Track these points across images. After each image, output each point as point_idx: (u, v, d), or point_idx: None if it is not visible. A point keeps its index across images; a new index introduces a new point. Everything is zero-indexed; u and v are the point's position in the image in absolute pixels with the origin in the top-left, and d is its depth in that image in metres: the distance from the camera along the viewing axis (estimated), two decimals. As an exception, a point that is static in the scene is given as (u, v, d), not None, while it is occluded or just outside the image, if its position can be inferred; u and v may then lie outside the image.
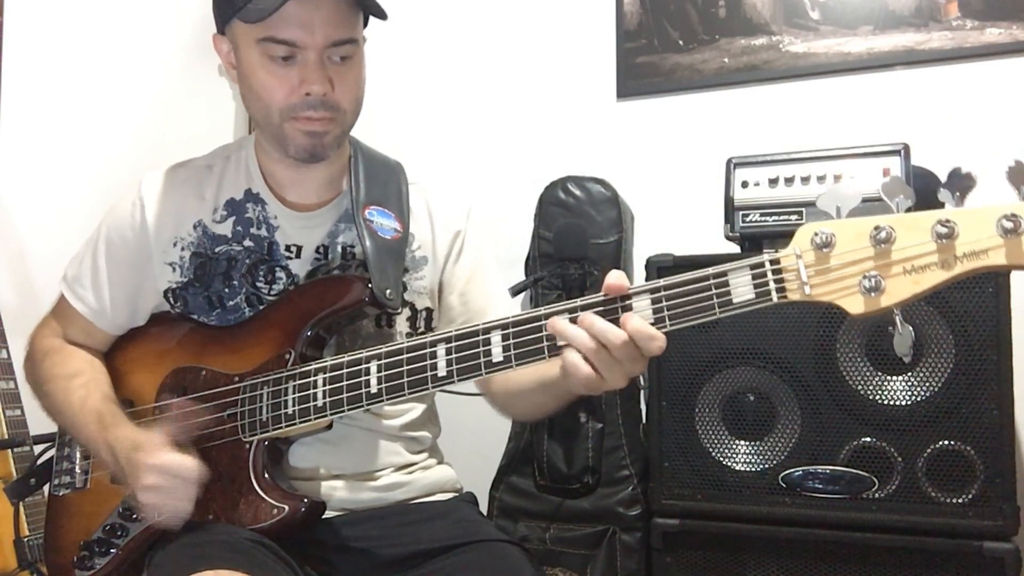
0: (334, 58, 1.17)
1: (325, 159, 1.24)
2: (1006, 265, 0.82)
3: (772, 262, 0.92)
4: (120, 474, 1.15)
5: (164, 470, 1.08)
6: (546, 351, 1.00)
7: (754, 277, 0.93)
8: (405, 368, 1.08)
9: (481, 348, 1.04)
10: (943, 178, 0.87)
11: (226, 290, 1.26)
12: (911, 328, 0.89)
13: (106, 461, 1.18)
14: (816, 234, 0.89)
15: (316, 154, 1.21)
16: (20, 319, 1.73)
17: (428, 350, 1.07)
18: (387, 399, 1.09)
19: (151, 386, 1.24)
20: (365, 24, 1.24)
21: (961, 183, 0.85)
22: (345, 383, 1.11)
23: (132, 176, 1.36)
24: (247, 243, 1.27)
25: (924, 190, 1.68)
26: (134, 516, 1.18)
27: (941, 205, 0.86)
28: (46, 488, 1.34)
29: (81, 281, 1.33)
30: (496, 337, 1.03)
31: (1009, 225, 0.81)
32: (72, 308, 1.32)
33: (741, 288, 0.93)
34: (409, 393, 1.08)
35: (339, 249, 1.27)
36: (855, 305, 0.88)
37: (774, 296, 0.92)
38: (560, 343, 0.98)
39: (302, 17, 1.12)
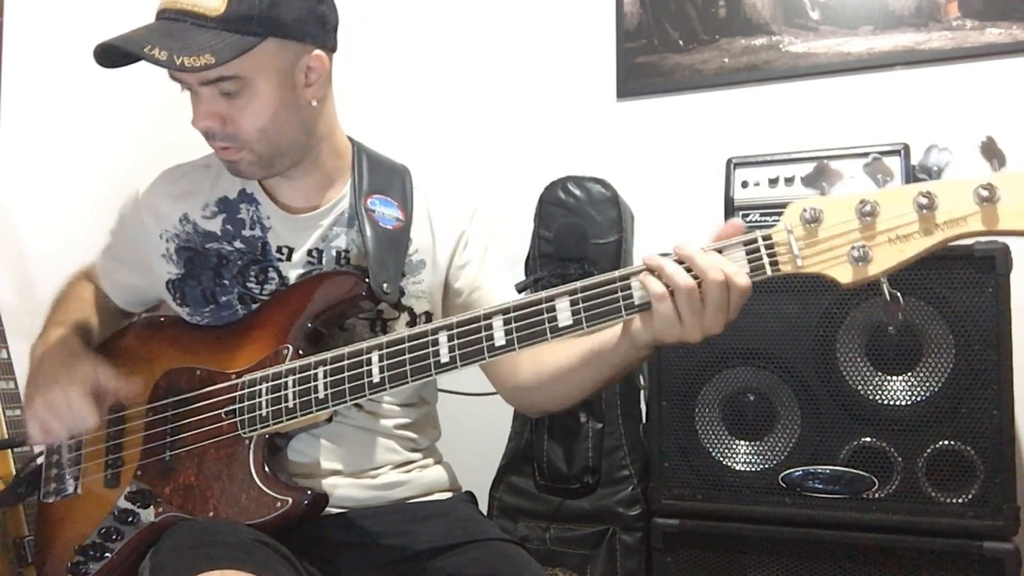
0: (223, 93, 1.15)
1: (254, 178, 1.27)
2: (984, 230, 0.87)
3: (764, 238, 0.96)
4: (29, 384, 1.23)
5: (55, 411, 1.17)
6: (548, 332, 1.02)
7: (748, 253, 0.97)
8: (407, 356, 1.08)
9: (483, 333, 1.04)
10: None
11: (218, 287, 1.27)
12: (899, 294, 0.93)
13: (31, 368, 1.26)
14: (805, 210, 0.94)
15: (241, 175, 1.25)
16: (20, 319, 1.73)
17: (430, 337, 1.07)
18: (390, 387, 1.09)
19: (144, 389, 1.24)
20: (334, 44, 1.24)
21: (938, 158, 0.90)
22: (347, 374, 1.11)
23: (132, 176, 1.37)
24: (237, 244, 1.27)
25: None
26: (129, 519, 1.18)
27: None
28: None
29: (106, 257, 1.42)
30: (498, 322, 1.04)
31: (985, 194, 0.86)
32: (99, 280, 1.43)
33: (736, 264, 0.97)
34: (412, 380, 1.08)
35: (333, 253, 1.27)
36: (844, 274, 0.92)
37: (768, 269, 0.96)
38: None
39: None
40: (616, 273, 1.01)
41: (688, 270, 0.97)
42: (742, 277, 0.95)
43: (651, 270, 0.99)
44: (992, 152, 0.88)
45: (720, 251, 0.97)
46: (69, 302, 1.40)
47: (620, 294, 1.00)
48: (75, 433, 1.20)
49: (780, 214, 1.71)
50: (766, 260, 0.96)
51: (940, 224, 0.88)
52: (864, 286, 0.93)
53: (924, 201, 0.88)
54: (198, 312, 1.28)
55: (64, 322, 1.34)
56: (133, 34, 1.12)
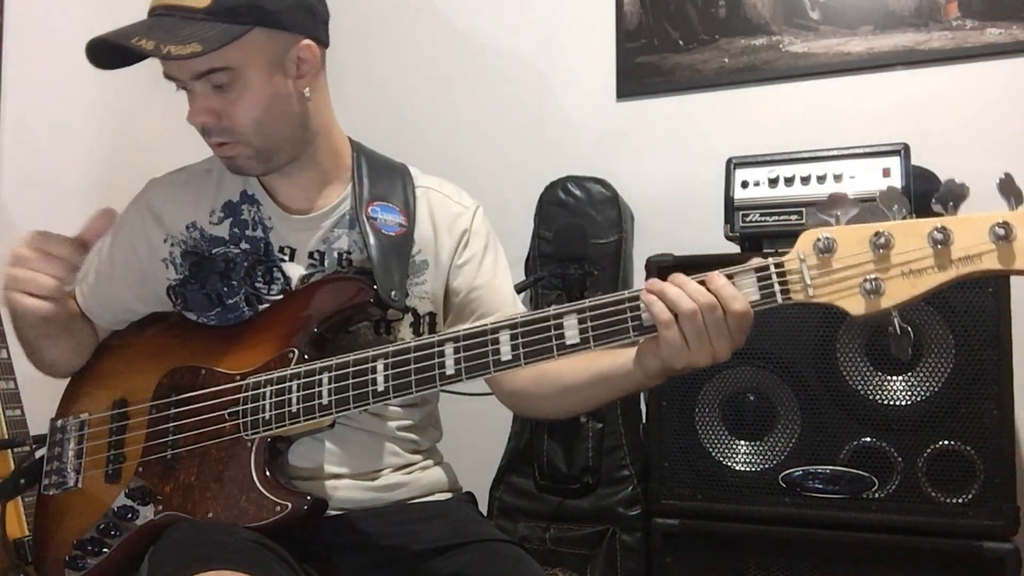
0: (214, 86, 1.15)
1: (253, 173, 1.26)
2: (1000, 269, 0.86)
3: (776, 265, 0.96)
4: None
5: (33, 240, 1.15)
6: (554, 349, 1.02)
7: (759, 279, 0.96)
8: (413, 367, 1.08)
9: (490, 347, 1.05)
10: (942, 178, 0.90)
11: (225, 289, 1.26)
12: (910, 329, 0.92)
13: None
14: (818, 239, 0.93)
15: (239, 171, 1.25)
16: (20, 319, 1.73)
17: (436, 349, 1.07)
18: (394, 397, 1.09)
19: (147, 385, 1.24)
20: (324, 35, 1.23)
21: (954, 193, 0.89)
22: (351, 381, 1.11)
23: (133, 176, 1.37)
24: (244, 245, 1.27)
25: (924, 190, 1.68)
26: (128, 516, 1.18)
27: (936, 214, 0.91)
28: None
29: (86, 276, 1.36)
30: (504, 336, 1.04)
31: (1001, 232, 0.86)
32: (73, 299, 1.36)
33: (747, 290, 0.96)
34: (416, 391, 1.08)
35: (335, 255, 1.27)
36: (856, 306, 0.92)
37: (779, 297, 0.95)
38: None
39: None
40: (626, 293, 1.01)
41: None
42: (739, 302, 0.95)
43: (652, 293, 0.98)
44: (1009, 189, 0.86)
45: (731, 277, 0.97)
46: None
47: (629, 314, 1.00)
48: (59, 271, 1.16)
49: (780, 214, 1.74)
50: (777, 288, 0.95)
51: (955, 260, 0.87)
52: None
53: (939, 236, 0.87)
54: (203, 315, 1.28)
55: None
56: (121, 29, 1.13)
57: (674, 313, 0.96)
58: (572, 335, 1.01)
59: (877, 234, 0.90)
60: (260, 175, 1.27)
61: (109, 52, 1.14)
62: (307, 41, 1.20)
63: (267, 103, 1.17)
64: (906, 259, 0.89)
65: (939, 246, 0.88)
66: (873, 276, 0.90)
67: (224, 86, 1.15)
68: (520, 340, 1.03)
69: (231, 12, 1.12)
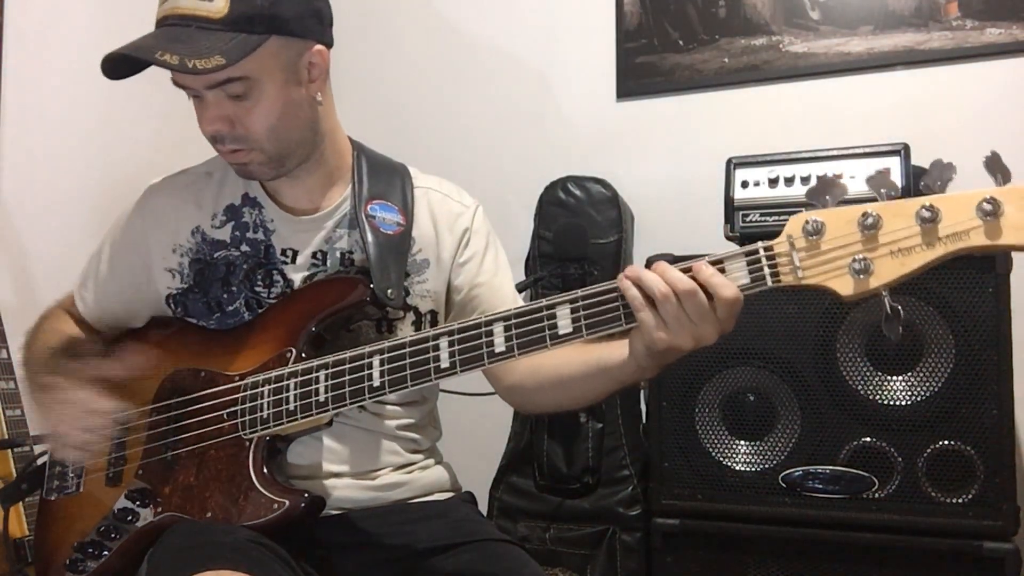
0: (230, 95, 1.15)
1: (265, 179, 1.26)
2: (987, 245, 0.87)
3: (766, 249, 0.96)
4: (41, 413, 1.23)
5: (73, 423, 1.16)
6: (548, 339, 1.02)
7: (749, 264, 0.97)
8: (408, 361, 1.09)
9: (484, 340, 1.05)
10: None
11: (225, 295, 1.26)
12: (900, 307, 0.92)
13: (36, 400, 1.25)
14: (807, 222, 0.93)
15: (251, 176, 1.25)
16: (20, 319, 1.73)
17: (431, 343, 1.08)
18: (389, 391, 1.09)
19: (149, 389, 1.24)
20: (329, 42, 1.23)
21: (942, 173, 0.89)
22: (348, 378, 1.11)
23: (133, 177, 1.37)
24: (244, 248, 1.27)
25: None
26: (128, 518, 1.18)
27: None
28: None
29: (86, 283, 1.37)
30: (498, 328, 1.05)
31: (988, 208, 0.86)
32: (75, 306, 1.37)
33: (737, 274, 0.97)
34: (412, 385, 1.08)
35: (337, 255, 1.27)
36: (845, 287, 0.92)
37: (768, 281, 0.96)
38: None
39: None
40: (617, 282, 1.01)
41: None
42: (729, 289, 0.95)
43: (629, 279, 0.99)
44: (996, 167, 0.87)
45: (721, 262, 0.97)
46: (47, 335, 1.34)
47: (621, 303, 1.00)
48: (101, 433, 1.18)
49: (780, 214, 1.74)
50: (767, 271, 0.96)
51: (943, 237, 0.88)
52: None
53: (927, 214, 0.88)
54: (204, 321, 1.28)
55: (48, 345, 1.32)
56: (140, 42, 1.12)
57: (650, 298, 0.97)
58: (565, 324, 1.02)
59: (865, 215, 0.90)
60: (270, 180, 1.27)
61: (124, 64, 1.13)
62: (318, 47, 1.20)
63: (282, 110, 1.17)
64: (894, 238, 0.90)
65: (927, 224, 0.88)
66: (862, 256, 0.90)
67: (240, 95, 1.14)
68: (514, 332, 1.04)
69: (248, 21, 1.11)
